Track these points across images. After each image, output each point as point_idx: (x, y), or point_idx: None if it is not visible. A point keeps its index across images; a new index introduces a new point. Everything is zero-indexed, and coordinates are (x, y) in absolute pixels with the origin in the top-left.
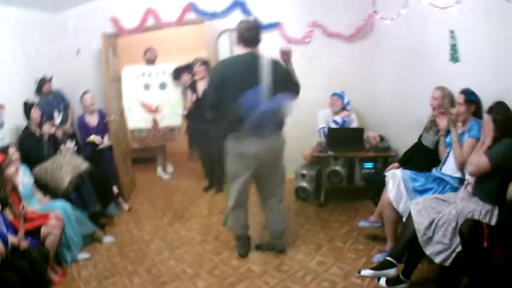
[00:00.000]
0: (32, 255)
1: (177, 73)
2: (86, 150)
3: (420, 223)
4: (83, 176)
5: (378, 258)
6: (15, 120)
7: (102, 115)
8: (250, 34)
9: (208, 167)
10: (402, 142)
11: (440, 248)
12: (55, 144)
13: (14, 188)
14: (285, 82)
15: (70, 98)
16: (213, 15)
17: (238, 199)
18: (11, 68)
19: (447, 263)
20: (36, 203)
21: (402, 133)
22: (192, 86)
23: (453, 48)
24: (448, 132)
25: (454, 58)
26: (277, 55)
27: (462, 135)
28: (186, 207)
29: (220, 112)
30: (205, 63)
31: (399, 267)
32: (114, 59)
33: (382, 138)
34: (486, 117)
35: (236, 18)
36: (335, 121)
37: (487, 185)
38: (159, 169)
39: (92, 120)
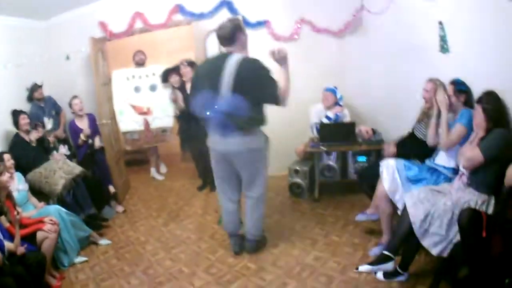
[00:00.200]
0: (29, 260)
1: (166, 75)
2: (79, 154)
3: (415, 215)
4: (76, 180)
5: (374, 251)
6: (6, 127)
7: (91, 119)
8: (221, 33)
9: (201, 166)
10: (395, 134)
11: (436, 240)
12: (47, 149)
13: (9, 195)
14: (254, 83)
15: (61, 104)
16: (201, 16)
17: (221, 195)
18: (2, 75)
19: (445, 255)
20: (31, 209)
21: (395, 125)
22: (181, 87)
23: (443, 39)
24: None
25: (444, 48)
26: (266, 55)
27: (453, 124)
28: (180, 207)
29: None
30: (191, 64)
31: (396, 260)
32: (103, 63)
33: (374, 132)
34: (476, 108)
35: (223, 18)
36: (327, 117)
37: (482, 175)
38: (153, 170)
39: (83, 124)
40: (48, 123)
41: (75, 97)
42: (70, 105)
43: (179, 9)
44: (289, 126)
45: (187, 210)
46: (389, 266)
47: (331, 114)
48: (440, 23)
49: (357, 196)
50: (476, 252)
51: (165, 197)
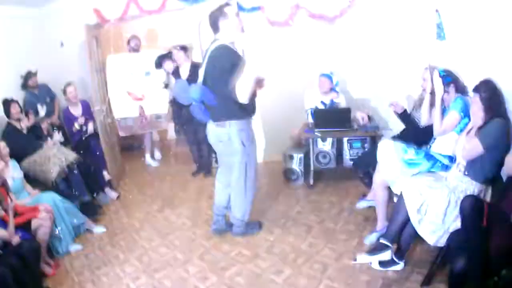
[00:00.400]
0: (24, 249)
1: (159, 62)
2: (73, 141)
3: (412, 203)
4: (71, 167)
5: (370, 239)
6: (1, 114)
7: (85, 105)
8: (208, 21)
9: (195, 151)
10: (390, 122)
11: (433, 228)
12: (39, 137)
13: (3, 183)
14: (213, 73)
15: (56, 91)
16: (195, 1)
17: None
18: None
19: (441, 244)
20: (26, 196)
21: (390, 113)
22: (175, 72)
23: (439, 26)
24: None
25: (441, 36)
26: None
27: (446, 111)
28: (175, 193)
29: None
30: (183, 48)
31: (393, 248)
32: (98, 50)
33: (370, 118)
34: (474, 96)
35: (217, 3)
36: (322, 102)
37: (480, 165)
38: (147, 156)
39: (77, 111)
40: (42, 110)
41: (69, 84)
42: (64, 92)
43: None
44: (284, 111)
45: (182, 196)
46: (387, 254)
47: (326, 99)
48: (437, 11)
49: (352, 183)
50: (475, 240)
51: (160, 183)
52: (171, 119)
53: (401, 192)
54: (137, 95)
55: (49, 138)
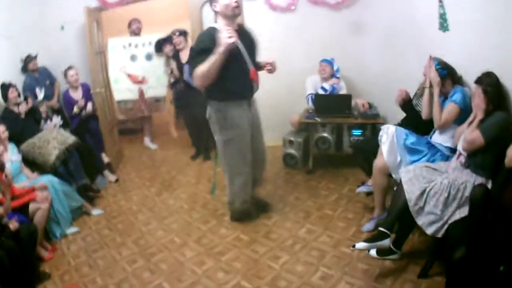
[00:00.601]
0: (21, 233)
1: (159, 45)
2: (73, 123)
3: (411, 192)
4: (70, 150)
5: (367, 227)
6: None
7: (85, 88)
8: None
9: (194, 135)
10: (391, 109)
11: (431, 219)
12: (38, 120)
13: (1, 167)
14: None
15: (56, 74)
16: None
17: None
18: None
19: (439, 235)
20: (24, 180)
21: (391, 100)
22: (175, 56)
23: (442, 17)
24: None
25: (444, 27)
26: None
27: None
28: (173, 176)
29: None
30: (183, 33)
31: (391, 237)
32: (98, 33)
33: (370, 105)
34: (476, 89)
35: None
36: (323, 88)
37: (481, 157)
38: (146, 140)
39: (77, 94)
40: (41, 94)
41: (70, 68)
42: (65, 75)
43: None
44: (284, 96)
45: (180, 180)
46: (386, 242)
47: (327, 85)
48: (440, 0)
49: (351, 170)
50: (479, 231)
51: (158, 167)
52: (171, 101)
53: (400, 180)
54: (137, 77)
55: (48, 121)
